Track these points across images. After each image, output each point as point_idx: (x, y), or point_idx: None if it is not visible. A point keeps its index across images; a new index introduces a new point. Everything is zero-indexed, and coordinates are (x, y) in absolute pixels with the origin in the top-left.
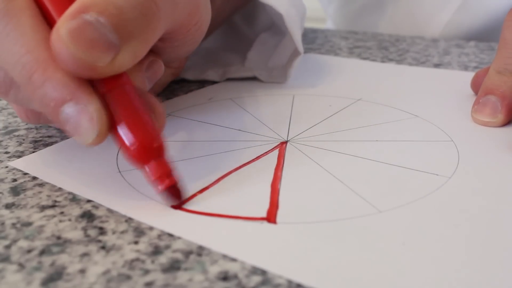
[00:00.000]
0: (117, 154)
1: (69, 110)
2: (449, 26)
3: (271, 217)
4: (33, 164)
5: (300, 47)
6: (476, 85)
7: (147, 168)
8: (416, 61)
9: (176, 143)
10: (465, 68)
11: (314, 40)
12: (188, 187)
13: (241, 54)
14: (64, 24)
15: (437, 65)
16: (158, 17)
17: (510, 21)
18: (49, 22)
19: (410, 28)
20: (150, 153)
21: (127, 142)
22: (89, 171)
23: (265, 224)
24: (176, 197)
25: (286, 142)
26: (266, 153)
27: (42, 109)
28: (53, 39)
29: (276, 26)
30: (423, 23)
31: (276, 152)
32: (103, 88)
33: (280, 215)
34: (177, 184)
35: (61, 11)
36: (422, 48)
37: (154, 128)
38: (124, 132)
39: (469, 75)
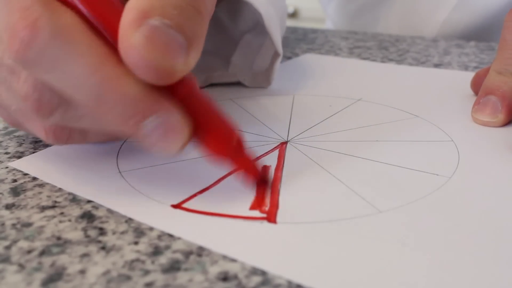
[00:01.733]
0: (117, 155)
1: (151, 124)
2: (446, 25)
3: (271, 217)
4: (33, 164)
5: (279, 48)
6: (476, 85)
7: (235, 165)
8: (416, 61)
9: None
10: (465, 68)
11: (314, 40)
12: (189, 187)
13: (225, 58)
14: (132, 32)
15: (437, 65)
16: (208, 10)
17: (510, 22)
18: (102, 36)
19: (407, 27)
20: (236, 148)
21: (215, 145)
22: (89, 171)
23: (265, 224)
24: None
25: (286, 143)
26: (266, 153)
27: (116, 128)
28: (125, 50)
29: (260, 25)
30: (420, 22)
31: (276, 152)
32: (180, 93)
33: (280, 215)
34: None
35: (114, 21)
36: (422, 48)
37: (233, 124)
38: (211, 135)
39: (469, 75)
